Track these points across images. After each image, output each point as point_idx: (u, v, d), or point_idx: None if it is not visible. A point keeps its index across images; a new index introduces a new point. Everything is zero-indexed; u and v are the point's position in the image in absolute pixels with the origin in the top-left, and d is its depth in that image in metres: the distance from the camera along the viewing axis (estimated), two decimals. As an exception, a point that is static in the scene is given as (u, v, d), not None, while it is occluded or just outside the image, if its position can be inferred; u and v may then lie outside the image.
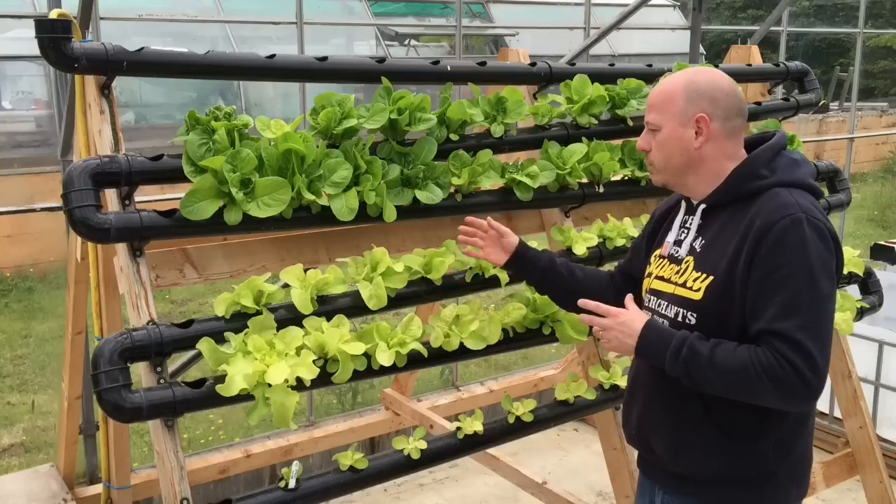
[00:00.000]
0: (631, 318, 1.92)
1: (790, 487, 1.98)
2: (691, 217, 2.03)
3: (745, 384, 1.78)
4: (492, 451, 3.51)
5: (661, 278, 2.03)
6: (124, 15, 7.19)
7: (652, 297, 2.05)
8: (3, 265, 8.46)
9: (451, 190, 2.67)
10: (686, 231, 2.03)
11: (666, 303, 1.99)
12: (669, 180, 2.01)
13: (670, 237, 2.07)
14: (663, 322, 1.98)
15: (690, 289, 1.92)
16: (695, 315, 1.90)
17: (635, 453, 2.22)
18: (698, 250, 1.96)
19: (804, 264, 1.79)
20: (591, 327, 2.06)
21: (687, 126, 1.92)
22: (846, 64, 17.61)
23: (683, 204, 2.08)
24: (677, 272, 1.98)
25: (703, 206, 1.99)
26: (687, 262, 1.97)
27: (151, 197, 3.48)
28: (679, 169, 1.97)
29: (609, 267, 3.02)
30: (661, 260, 2.07)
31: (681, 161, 1.95)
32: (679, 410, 1.95)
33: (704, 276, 1.90)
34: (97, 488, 3.58)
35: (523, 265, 2.36)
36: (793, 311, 1.77)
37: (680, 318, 1.93)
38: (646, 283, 2.10)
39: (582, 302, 2.00)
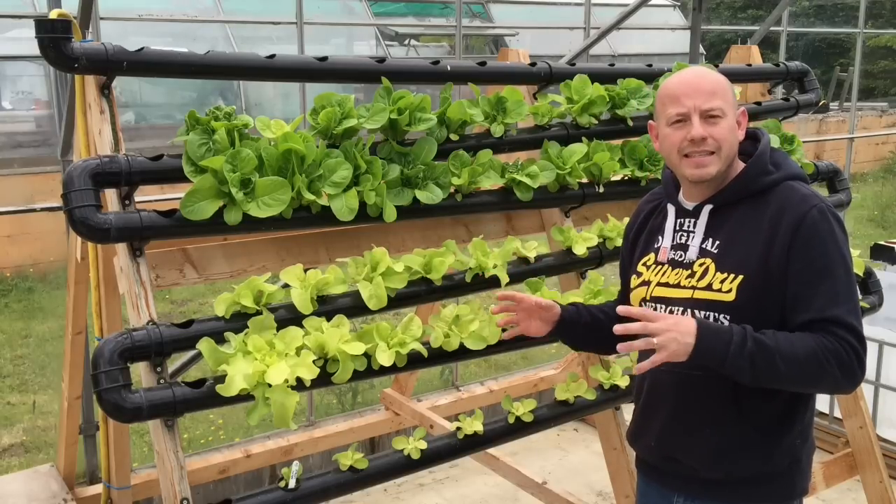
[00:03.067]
0: (680, 318, 1.80)
1: (807, 471, 2.02)
2: (690, 219, 2.00)
3: (814, 372, 1.78)
4: (492, 451, 3.51)
5: (666, 284, 1.98)
6: (124, 15, 7.19)
7: (658, 306, 1.99)
8: (3, 265, 8.46)
9: (451, 190, 2.67)
10: (687, 234, 1.99)
11: (682, 308, 1.93)
12: (721, 170, 1.94)
13: (666, 242, 2.02)
14: None
15: (720, 290, 1.89)
16: (728, 317, 1.87)
17: (633, 454, 2.20)
18: (715, 251, 1.93)
19: (838, 252, 1.85)
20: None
21: (735, 118, 1.95)
22: (846, 64, 17.61)
23: (672, 208, 2.05)
24: (690, 276, 1.94)
25: (709, 206, 1.96)
26: (703, 264, 1.93)
27: (151, 197, 3.48)
28: (731, 159, 1.96)
29: (609, 267, 3.03)
30: (660, 266, 2.02)
31: (735, 150, 1.96)
32: (713, 417, 1.93)
33: (733, 275, 1.88)
34: (97, 488, 3.58)
35: (568, 329, 2.18)
36: (839, 298, 1.82)
37: (711, 322, 1.89)
38: (641, 292, 2.04)
39: (622, 309, 1.82)
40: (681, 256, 1.99)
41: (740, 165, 1.98)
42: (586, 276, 2.88)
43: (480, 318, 2.53)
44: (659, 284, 2.00)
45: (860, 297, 3.47)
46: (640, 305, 2.05)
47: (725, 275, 1.89)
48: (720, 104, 1.91)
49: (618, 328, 1.79)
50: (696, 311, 1.91)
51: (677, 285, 1.96)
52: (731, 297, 1.87)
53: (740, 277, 1.87)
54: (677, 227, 2.02)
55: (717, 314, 1.89)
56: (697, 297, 1.92)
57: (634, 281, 2.08)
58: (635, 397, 2.15)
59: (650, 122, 2.06)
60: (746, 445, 1.92)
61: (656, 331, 1.75)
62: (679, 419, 1.98)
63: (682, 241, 2.00)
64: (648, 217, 2.13)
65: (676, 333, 1.76)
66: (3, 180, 8.42)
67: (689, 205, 2.01)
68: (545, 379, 4.87)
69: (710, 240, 1.95)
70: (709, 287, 1.90)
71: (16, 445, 5.07)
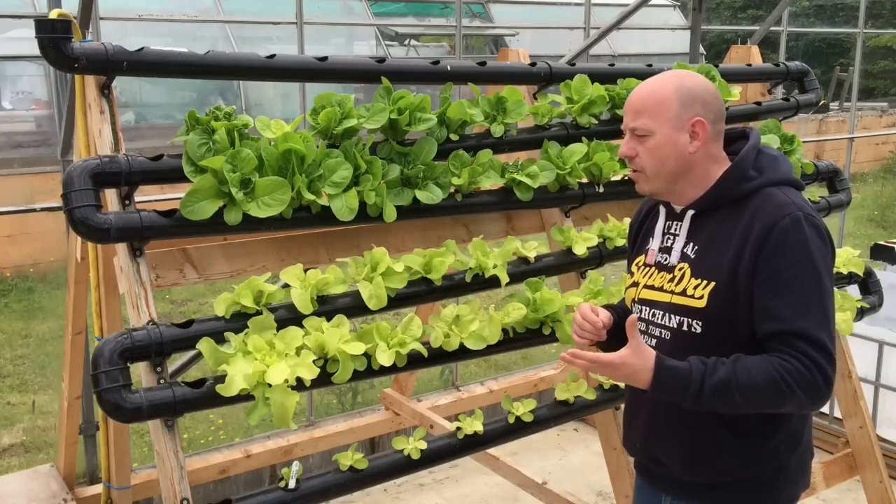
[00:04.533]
0: (633, 369, 1.77)
1: (799, 478, 2.00)
2: (677, 223, 1.99)
3: (775, 399, 1.77)
4: (492, 451, 3.51)
5: (651, 287, 1.99)
6: (124, 15, 7.19)
7: (643, 308, 2.01)
8: (3, 265, 8.46)
9: (451, 190, 2.67)
10: (672, 237, 1.99)
11: (663, 312, 1.95)
12: (661, 188, 1.95)
13: (653, 245, 2.03)
14: (663, 333, 1.94)
15: (692, 296, 1.88)
16: (700, 323, 1.87)
17: (632, 460, 2.20)
18: (693, 257, 1.93)
19: (810, 263, 1.80)
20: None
21: (682, 130, 1.89)
22: (846, 64, 17.60)
23: (663, 209, 2.04)
24: (671, 280, 1.94)
25: (691, 211, 1.95)
26: (681, 269, 1.93)
27: (151, 197, 3.48)
28: (672, 175, 1.92)
29: (609, 267, 3.03)
30: (648, 268, 2.03)
31: (674, 167, 1.91)
32: (691, 420, 1.92)
33: (705, 282, 1.87)
34: (97, 488, 3.58)
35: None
36: (806, 310, 1.78)
37: (685, 328, 1.90)
38: (631, 293, 2.06)
39: (570, 354, 1.80)
40: (665, 259, 1.99)
41: (725, 168, 1.95)
42: (586, 276, 2.88)
43: (480, 318, 2.53)
44: (645, 287, 2.02)
45: (860, 296, 3.48)
46: (631, 306, 2.07)
47: (699, 281, 1.89)
48: (644, 123, 1.89)
49: (565, 357, 1.80)
50: (673, 316, 1.92)
51: (661, 289, 1.97)
52: (702, 303, 1.87)
53: (712, 284, 1.86)
54: (665, 230, 2.03)
55: (690, 319, 1.89)
56: (675, 302, 1.92)
57: (627, 281, 2.11)
58: (626, 398, 2.16)
59: None
60: (723, 450, 1.91)
61: (607, 376, 1.85)
62: (658, 422, 1.99)
63: (668, 244, 2.00)
64: (647, 217, 2.14)
65: (624, 379, 1.81)
66: (3, 180, 8.42)
67: (677, 208, 2.01)
68: (545, 379, 4.87)
69: (691, 244, 1.95)
70: (684, 293, 1.90)
71: (16, 445, 5.07)
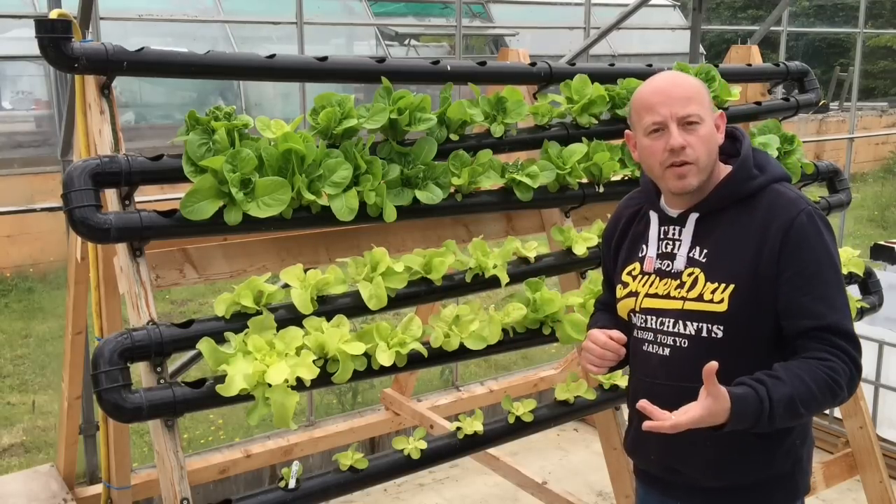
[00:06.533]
0: (715, 415, 1.70)
1: (808, 468, 2.02)
2: (675, 227, 1.94)
3: (828, 401, 1.82)
4: (492, 451, 3.51)
5: (655, 295, 1.94)
6: (124, 15, 7.18)
7: (648, 318, 1.95)
8: (3, 265, 8.46)
9: (451, 190, 2.67)
10: (672, 242, 1.94)
11: (674, 320, 1.89)
12: (703, 180, 1.87)
13: (650, 251, 1.97)
14: (678, 341, 1.89)
15: (711, 301, 1.84)
16: (721, 328, 1.84)
17: (631, 464, 2.18)
18: (704, 261, 1.88)
19: (827, 255, 1.84)
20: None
21: (713, 121, 1.89)
22: (846, 64, 17.60)
23: (654, 215, 1.99)
24: (680, 286, 1.89)
25: (694, 214, 1.91)
26: (692, 274, 1.88)
27: (151, 197, 3.48)
28: (713, 167, 1.90)
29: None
30: (647, 276, 1.97)
31: (715, 157, 1.90)
32: (712, 427, 1.86)
33: (724, 285, 1.83)
34: (97, 488, 3.58)
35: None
36: (834, 303, 1.81)
37: (704, 333, 1.86)
38: (629, 303, 1.99)
39: (641, 405, 1.74)
40: (668, 266, 1.93)
41: (724, 169, 1.93)
42: (586, 276, 2.88)
43: (480, 318, 2.53)
44: (647, 296, 1.95)
45: (860, 297, 3.49)
46: (630, 317, 2.01)
47: (716, 285, 1.85)
48: (696, 110, 1.84)
49: (648, 425, 1.72)
50: (688, 322, 1.88)
51: (667, 296, 1.92)
52: (723, 307, 1.83)
53: (731, 287, 1.83)
54: (661, 235, 1.97)
55: (709, 325, 1.85)
56: (688, 309, 1.88)
57: (621, 291, 2.03)
58: (630, 408, 2.08)
59: (627, 131, 2.00)
60: (747, 452, 1.90)
61: (690, 426, 1.71)
62: (679, 433, 1.94)
63: (668, 249, 1.94)
64: (630, 223, 2.07)
65: (707, 422, 1.72)
66: (3, 180, 8.42)
67: (674, 212, 1.95)
68: (545, 379, 4.87)
69: (697, 248, 1.90)
70: (700, 298, 1.86)
71: (16, 445, 5.07)
